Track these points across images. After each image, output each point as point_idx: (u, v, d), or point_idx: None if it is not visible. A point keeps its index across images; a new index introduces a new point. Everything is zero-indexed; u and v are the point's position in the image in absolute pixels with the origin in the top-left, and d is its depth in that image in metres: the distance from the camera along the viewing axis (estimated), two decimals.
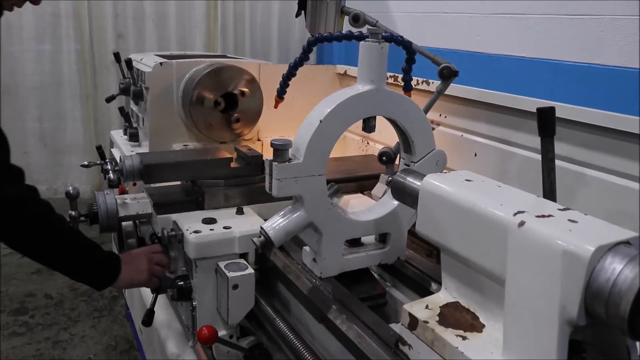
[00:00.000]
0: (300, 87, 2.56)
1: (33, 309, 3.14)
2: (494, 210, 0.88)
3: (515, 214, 0.84)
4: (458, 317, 0.96)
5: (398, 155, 1.76)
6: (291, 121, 2.54)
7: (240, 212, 1.54)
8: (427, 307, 0.99)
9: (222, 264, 1.38)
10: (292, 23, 4.57)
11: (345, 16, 1.68)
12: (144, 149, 2.41)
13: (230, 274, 1.33)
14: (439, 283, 1.34)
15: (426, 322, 0.95)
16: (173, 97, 2.30)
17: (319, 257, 1.29)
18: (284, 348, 1.36)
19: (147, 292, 2.16)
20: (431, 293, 1.32)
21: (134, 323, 2.83)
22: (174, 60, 2.28)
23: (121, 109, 2.68)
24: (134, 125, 2.54)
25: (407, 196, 1.10)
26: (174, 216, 1.50)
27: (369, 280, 1.40)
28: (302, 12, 1.83)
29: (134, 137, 2.49)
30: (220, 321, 1.46)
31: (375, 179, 1.79)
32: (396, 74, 2.28)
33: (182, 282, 1.44)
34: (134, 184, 2.32)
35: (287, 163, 1.18)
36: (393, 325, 1.11)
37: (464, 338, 0.90)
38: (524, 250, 0.81)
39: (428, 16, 2.91)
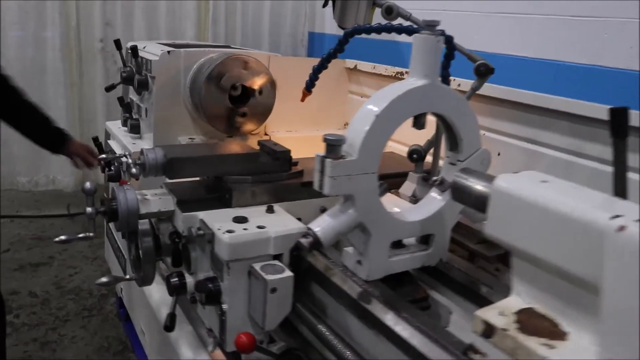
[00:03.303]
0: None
1: (17, 308, 2.98)
2: (586, 213, 0.83)
3: (612, 218, 0.80)
4: (537, 324, 0.91)
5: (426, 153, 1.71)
6: (299, 115, 2.48)
7: (270, 210, 1.46)
8: (501, 313, 0.94)
9: (257, 266, 1.30)
10: (284, 16, 4.48)
11: (377, 8, 1.62)
12: (147, 141, 2.30)
13: (268, 277, 1.25)
14: (488, 286, 1.32)
15: (505, 329, 0.90)
16: (180, 88, 2.19)
17: (366, 259, 1.22)
18: (323, 353, 1.30)
19: (152, 292, 2.07)
20: (480, 296, 1.29)
21: (129, 323, 2.72)
22: (181, 49, 2.18)
23: (120, 99, 2.56)
24: (134, 116, 2.42)
25: (470, 197, 1.05)
26: (201, 214, 1.41)
27: (410, 282, 1.35)
28: (331, 2, 1.76)
29: (135, 129, 2.38)
30: (250, 326, 1.38)
31: (402, 177, 1.73)
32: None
33: (211, 285, 1.35)
34: (137, 179, 2.22)
35: (341, 160, 1.11)
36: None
37: (550, 347, 0.86)
38: (626, 256, 0.77)
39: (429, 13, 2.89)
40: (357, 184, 1.14)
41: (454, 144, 1.33)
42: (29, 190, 4.02)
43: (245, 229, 1.33)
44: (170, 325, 1.46)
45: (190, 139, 2.24)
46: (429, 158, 1.68)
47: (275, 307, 1.28)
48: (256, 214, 1.42)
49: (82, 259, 3.60)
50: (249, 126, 2.19)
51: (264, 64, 2.16)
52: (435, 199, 1.34)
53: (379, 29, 1.39)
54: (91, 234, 1.49)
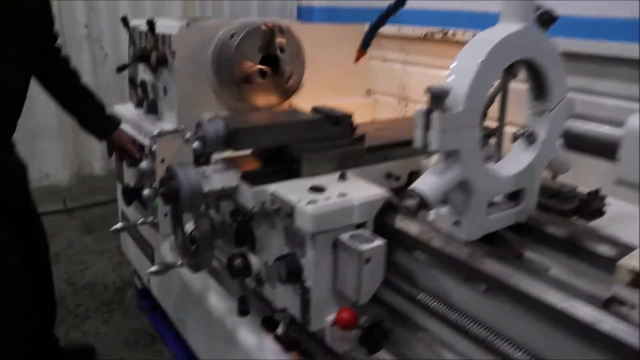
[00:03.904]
0: (327, 49, 2.40)
1: None
2: None
3: None
4: None
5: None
6: (320, 85, 2.37)
7: (343, 177, 1.37)
8: None
9: (344, 237, 1.21)
10: None
11: None
12: (168, 122, 2.16)
13: (361, 247, 1.17)
14: (583, 239, 1.26)
15: None
16: (201, 62, 2.05)
17: (466, 218, 1.15)
18: (416, 321, 1.23)
19: (192, 278, 1.95)
20: (580, 250, 1.22)
21: (155, 314, 2.61)
22: (200, 22, 2.04)
23: (132, 80, 2.40)
24: (150, 96, 2.27)
25: (594, 143, 0.99)
26: (272, 187, 1.31)
27: (501, 241, 1.28)
28: None
29: (152, 109, 2.23)
30: (334, 301, 1.30)
31: None
32: (444, 28, 2.15)
33: (290, 262, 1.26)
34: (162, 161, 2.09)
35: (448, 112, 1.02)
36: None
37: None
38: None
39: None
40: (463, 138, 1.07)
41: (540, 93, 1.25)
42: None
43: (326, 199, 1.24)
44: (245, 309, 1.37)
45: (215, 115, 2.11)
46: None
47: (370, 278, 1.20)
48: (330, 182, 1.33)
49: (90, 253, 3.44)
50: (290, 94, 2.06)
51: (286, 27, 2.04)
52: (523, 153, 1.27)
53: None
54: (152, 218, 1.37)
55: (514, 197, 1.28)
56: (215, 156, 1.50)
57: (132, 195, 2.30)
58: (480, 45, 1.08)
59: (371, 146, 1.48)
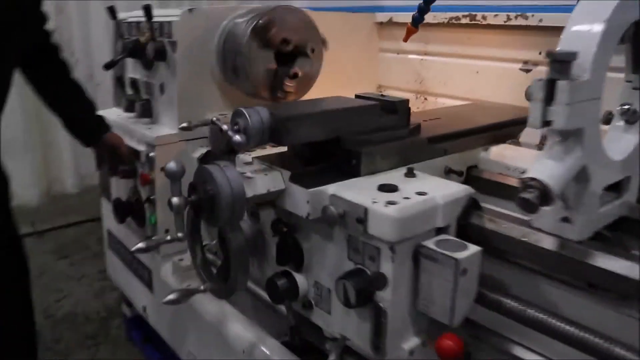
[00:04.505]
0: (334, 39, 2.17)
1: None
2: None
3: None
4: None
5: None
6: (328, 79, 2.14)
7: (410, 174, 1.14)
8: None
9: (430, 244, 0.99)
10: None
11: None
12: (166, 125, 1.89)
13: (457, 255, 0.95)
14: None
15: None
16: (206, 53, 1.80)
17: (579, 214, 0.95)
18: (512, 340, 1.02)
19: (205, 304, 1.68)
20: None
21: (149, 346, 2.31)
22: (205, 7, 1.79)
23: (119, 79, 2.12)
24: (143, 97, 2.00)
25: None
26: (331, 188, 1.07)
27: (603, 238, 1.09)
28: None
29: (146, 112, 1.96)
30: (410, 326, 1.07)
31: (518, 124, 1.47)
32: (471, 12, 1.97)
33: (360, 280, 1.03)
34: (162, 169, 1.83)
35: (576, 81, 0.82)
36: None
37: None
38: None
39: None
40: (587, 114, 0.87)
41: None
42: None
43: (405, 199, 1.01)
44: (299, 341, 1.13)
45: (221, 115, 1.86)
46: None
47: (465, 293, 0.98)
48: (398, 181, 1.11)
49: (66, 279, 3.08)
50: (293, 94, 1.84)
51: (305, 13, 1.81)
52: (625, 135, 1.08)
53: None
54: (180, 235, 1.11)
55: (615, 187, 1.09)
56: (242, 156, 1.25)
57: (125, 210, 2.02)
58: (595, 9, 0.88)
59: (432, 137, 1.27)
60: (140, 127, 1.92)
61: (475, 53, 2.00)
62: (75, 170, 3.56)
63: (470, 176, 1.37)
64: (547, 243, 0.96)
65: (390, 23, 2.27)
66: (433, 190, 1.05)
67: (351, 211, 1.02)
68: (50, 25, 1.76)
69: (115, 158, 1.83)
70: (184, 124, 1.09)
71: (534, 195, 0.84)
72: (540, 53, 1.78)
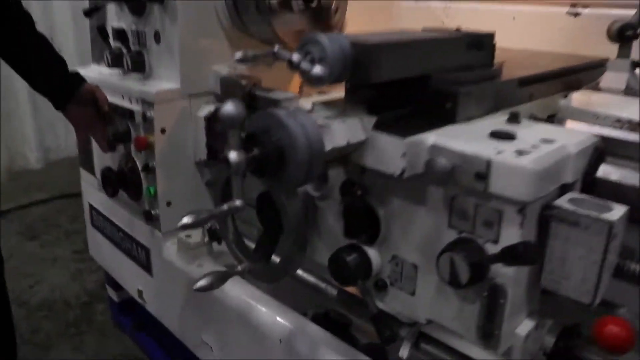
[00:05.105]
0: None
1: None
2: None
3: None
4: None
5: None
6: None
7: (514, 119, 0.93)
8: None
9: (565, 204, 0.79)
10: None
11: None
12: (165, 79, 1.60)
13: (608, 217, 0.75)
14: None
15: None
16: None
17: None
18: None
19: (227, 286, 1.42)
20: None
21: (142, 334, 2.06)
22: None
23: (101, 29, 1.79)
24: (133, 48, 1.69)
25: None
26: (431, 137, 0.84)
27: None
28: None
29: (139, 65, 1.66)
30: (525, 308, 0.88)
31: (591, 69, 1.28)
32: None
33: (472, 252, 0.81)
34: (162, 131, 1.56)
35: None
36: None
37: None
38: None
39: None
40: None
41: None
42: None
43: (533, 148, 0.80)
44: (391, 334, 0.91)
45: (232, 69, 1.59)
46: None
47: (610, 265, 0.79)
48: (505, 127, 0.89)
49: (39, 262, 2.75)
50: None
51: None
52: None
53: None
54: (239, 203, 0.84)
55: None
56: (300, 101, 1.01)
57: (117, 181, 1.73)
58: None
59: (523, 78, 1.06)
60: (132, 83, 1.63)
61: None
62: (39, 143, 3.19)
63: None
64: None
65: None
66: (558, 138, 0.85)
67: (464, 165, 0.80)
68: None
69: (100, 118, 1.55)
70: (239, 55, 0.83)
71: None
72: None
